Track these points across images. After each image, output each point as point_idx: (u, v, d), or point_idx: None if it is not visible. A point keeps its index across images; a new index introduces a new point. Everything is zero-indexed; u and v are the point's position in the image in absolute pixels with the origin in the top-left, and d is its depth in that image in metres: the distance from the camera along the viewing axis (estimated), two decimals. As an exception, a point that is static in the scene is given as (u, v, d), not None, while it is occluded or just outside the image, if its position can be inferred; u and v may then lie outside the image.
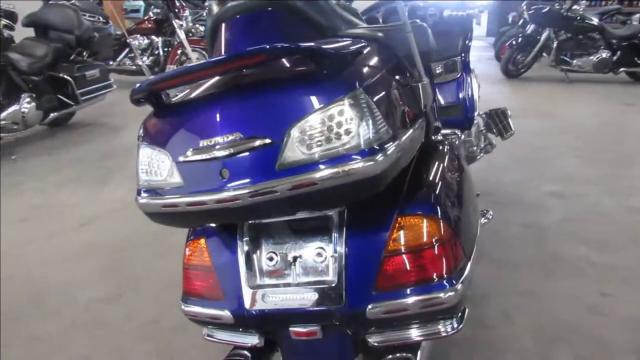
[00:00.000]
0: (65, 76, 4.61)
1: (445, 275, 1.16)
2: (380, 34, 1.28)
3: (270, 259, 1.27)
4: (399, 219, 1.18)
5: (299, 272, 1.24)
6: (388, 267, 1.17)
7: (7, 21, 4.44)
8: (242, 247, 1.28)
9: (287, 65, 1.13)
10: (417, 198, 1.23)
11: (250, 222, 1.31)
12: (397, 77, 1.22)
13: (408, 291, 1.16)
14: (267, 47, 0.98)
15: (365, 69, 1.10)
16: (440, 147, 1.52)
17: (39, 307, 2.24)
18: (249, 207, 1.04)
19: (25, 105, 4.34)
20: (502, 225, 2.71)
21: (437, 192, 1.27)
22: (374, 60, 1.17)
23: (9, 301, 2.28)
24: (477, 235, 1.43)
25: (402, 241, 1.17)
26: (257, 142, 1.01)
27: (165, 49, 7.25)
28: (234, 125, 1.04)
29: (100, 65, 5.12)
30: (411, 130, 1.18)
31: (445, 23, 2.44)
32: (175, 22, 6.83)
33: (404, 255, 1.17)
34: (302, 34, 1.25)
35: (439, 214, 1.21)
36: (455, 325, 1.23)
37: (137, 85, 1.11)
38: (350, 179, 0.99)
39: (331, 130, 1.00)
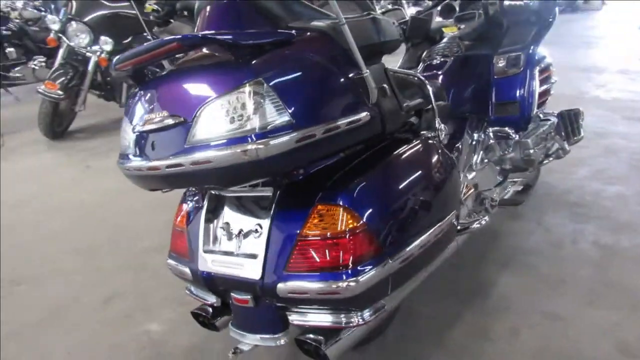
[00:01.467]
0: None
1: (345, 267, 1.19)
2: (324, 26, 1.30)
3: (223, 228, 1.42)
4: (319, 206, 1.24)
5: (240, 244, 1.37)
6: (299, 250, 1.24)
7: None
8: (204, 216, 1.45)
9: (214, 53, 1.25)
10: (342, 188, 1.26)
11: (212, 193, 1.48)
12: (329, 68, 1.25)
13: (311, 275, 1.22)
14: (180, 36, 1.11)
15: (279, 59, 1.16)
16: (408, 145, 1.48)
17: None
18: (168, 176, 1.20)
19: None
20: (569, 239, 2.44)
21: (366, 187, 1.28)
22: (298, 51, 1.22)
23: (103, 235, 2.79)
24: (427, 240, 1.39)
25: (316, 227, 1.23)
26: (174, 120, 1.15)
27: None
28: (164, 104, 1.20)
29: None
30: (339, 122, 1.21)
31: (514, 12, 2.25)
32: None
33: (314, 241, 1.22)
34: (258, 23, 1.34)
35: (357, 207, 1.23)
36: (359, 320, 1.26)
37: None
38: (241, 160, 1.08)
39: (232, 114, 1.10)
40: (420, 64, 2.39)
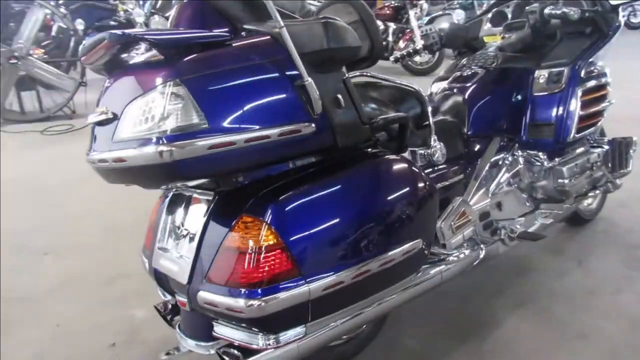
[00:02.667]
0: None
1: (254, 286, 1.12)
2: (277, 30, 1.22)
3: (173, 227, 1.42)
4: (245, 216, 1.18)
5: (182, 245, 1.35)
6: (218, 261, 1.20)
7: None
8: (165, 213, 1.46)
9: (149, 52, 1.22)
10: (270, 202, 1.19)
11: (174, 192, 1.48)
12: (265, 73, 1.17)
13: (223, 289, 1.17)
14: (109, 34, 1.11)
15: (205, 61, 1.11)
16: (366, 162, 1.36)
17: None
18: (101, 170, 1.21)
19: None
20: (611, 287, 2.12)
21: (295, 204, 1.20)
22: (230, 54, 1.16)
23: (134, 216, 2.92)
24: (367, 269, 1.26)
25: (234, 240, 1.18)
26: (106, 116, 1.16)
27: (396, 35, 7.48)
28: (108, 98, 1.21)
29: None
30: (268, 132, 1.13)
31: (562, 22, 1.99)
32: (411, 11, 6.99)
33: (230, 254, 1.17)
34: (219, 23, 1.29)
35: (279, 225, 1.15)
36: (263, 343, 1.18)
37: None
38: (151, 161, 1.06)
39: (148, 114, 1.08)
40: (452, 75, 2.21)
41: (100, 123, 1.18)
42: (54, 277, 2.30)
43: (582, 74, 1.99)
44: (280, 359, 1.23)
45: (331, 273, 1.20)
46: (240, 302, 1.12)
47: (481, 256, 1.78)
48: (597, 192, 2.21)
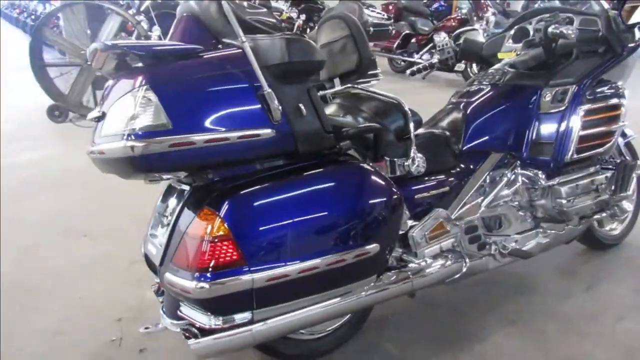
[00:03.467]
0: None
1: (202, 270, 1.26)
2: (249, 43, 1.34)
3: (163, 216, 1.60)
4: (206, 209, 1.33)
5: (164, 233, 1.52)
6: (181, 247, 1.35)
7: None
8: (159, 201, 1.65)
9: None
10: (226, 197, 1.32)
11: (167, 185, 1.65)
12: (230, 83, 1.30)
13: (180, 272, 1.32)
14: (101, 44, 1.30)
15: (175, 70, 1.26)
16: (325, 168, 1.45)
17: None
18: (95, 161, 1.39)
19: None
20: (614, 315, 2.05)
21: (247, 201, 1.32)
22: (200, 65, 1.30)
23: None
24: (314, 266, 1.36)
25: (194, 229, 1.32)
26: (99, 114, 1.35)
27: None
28: (104, 98, 1.39)
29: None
30: (227, 134, 1.27)
31: (581, 41, 1.99)
32: (477, 24, 6.90)
33: (190, 241, 1.32)
34: (204, 36, 1.46)
35: (229, 218, 1.28)
36: (212, 323, 1.30)
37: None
38: (122, 155, 1.23)
39: (123, 114, 1.25)
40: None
41: (98, 120, 1.37)
42: (86, 257, 2.57)
43: (588, 93, 1.95)
44: (234, 341, 1.36)
45: (276, 266, 1.31)
46: (189, 284, 1.26)
47: (464, 269, 1.81)
48: (604, 214, 2.13)
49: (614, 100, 2.03)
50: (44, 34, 5.33)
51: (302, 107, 1.37)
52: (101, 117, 1.33)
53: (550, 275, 2.36)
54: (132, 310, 2.12)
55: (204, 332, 1.36)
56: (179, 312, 1.42)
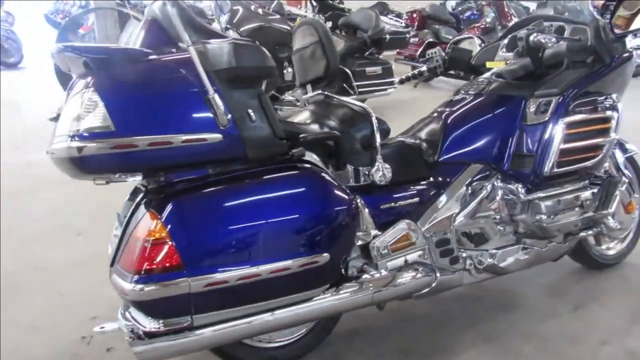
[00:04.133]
0: (346, 69, 5.41)
1: (138, 272, 1.27)
2: (200, 48, 1.35)
3: (124, 217, 1.62)
4: (150, 212, 1.34)
5: (119, 234, 1.53)
6: (126, 249, 1.36)
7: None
8: (125, 202, 1.66)
9: None
10: (169, 201, 1.33)
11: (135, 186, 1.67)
12: (175, 86, 1.30)
13: (121, 273, 1.33)
14: (57, 46, 1.33)
15: (120, 73, 1.28)
16: (273, 174, 1.44)
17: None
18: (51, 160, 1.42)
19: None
20: (599, 338, 1.95)
21: (188, 206, 1.33)
22: (145, 68, 1.31)
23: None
24: (255, 273, 1.35)
25: (137, 231, 1.33)
26: (56, 115, 1.38)
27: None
28: (64, 99, 1.43)
29: (384, 63, 5.72)
30: (171, 138, 1.27)
31: (571, 51, 1.93)
32: (500, 31, 6.80)
33: (132, 243, 1.33)
34: (163, 41, 1.47)
35: (169, 222, 1.29)
36: (151, 326, 1.30)
37: None
38: (66, 155, 1.25)
39: (70, 115, 1.27)
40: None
41: (55, 120, 1.40)
42: (77, 255, 2.63)
43: (573, 105, 1.88)
44: (176, 346, 1.36)
45: (215, 272, 1.30)
46: (127, 286, 1.27)
47: (434, 283, 1.76)
48: (590, 232, 2.04)
49: (603, 113, 1.94)
50: (69, 38, 5.53)
51: (252, 113, 1.36)
52: (57, 118, 1.36)
53: (538, 293, 2.27)
54: (109, 309, 2.14)
55: (149, 335, 1.36)
56: (127, 314, 1.43)
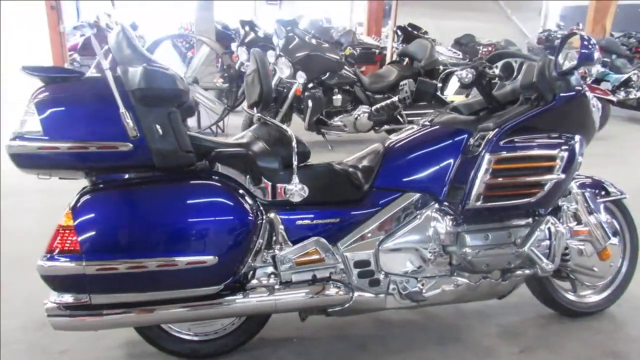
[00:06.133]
0: (394, 98, 5.49)
1: (48, 252, 1.55)
2: (124, 70, 1.61)
3: None
4: (70, 204, 1.61)
5: None
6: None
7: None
8: None
9: None
10: (83, 196, 1.60)
11: None
12: (97, 102, 1.57)
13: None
14: (23, 67, 1.66)
15: (54, 89, 1.57)
16: (175, 182, 1.67)
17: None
18: None
19: (360, 113, 5.53)
20: None
21: (95, 201, 1.61)
22: (76, 86, 1.60)
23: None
24: (144, 265, 1.57)
25: (63, 220, 1.60)
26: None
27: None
28: None
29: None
30: (87, 144, 1.54)
31: (524, 87, 2.00)
32: None
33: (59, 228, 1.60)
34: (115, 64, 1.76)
35: (76, 214, 1.56)
36: (54, 299, 1.57)
37: None
38: (10, 152, 1.56)
39: (19, 120, 1.59)
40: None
41: None
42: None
43: (504, 141, 1.87)
44: (82, 323, 1.62)
45: (107, 259, 1.54)
46: (38, 263, 1.55)
47: (350, 302, 1.84)
48: (528, 272, 1.97)
49: (544, 151, 1.90)
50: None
51: (159, 128, 1.58)
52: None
53: (490, 331, 2.22)
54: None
55: (62, 308, 1.63)
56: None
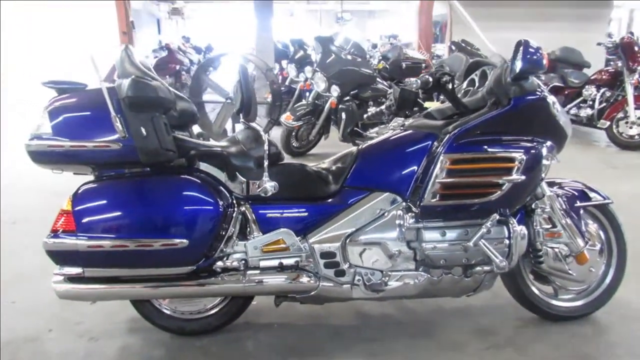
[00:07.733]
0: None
1: (53, 232, 1.88)
2: (119, 82, 1.92)
3: None
4: (73, 193, 1.95)
5: None
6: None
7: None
8: None
9: None
10: (83, 186, 1.92)
11: None
12: (97, 107, 1.86)
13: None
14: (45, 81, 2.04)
15: (63, 97, 1.89)
16: (160, 176, 1.95)
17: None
18: None
19: (394, 125, 5.68)
20: None
21: (91, 190, 1.91)
22: (82, 96, 1.92)
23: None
24: (126, 244, 1.86)
25: (66, 205, 1.94)
26: None
27: (607, 102, 6.69)
28: None
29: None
30: (86, 142, 1.86)
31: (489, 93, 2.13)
32: (627, 77, 6.33)
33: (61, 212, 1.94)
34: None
35: (75, 200, 1.88)
36: (57, 270, 1.89)
37: None
38: (28, 149, 1.92)
39: (37, 121, 1.95)
40: None
41: None
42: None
43: (460, 142, 1.99)
44: (80, 291, 1.93)
45: (95, 238, 1.84)
46: (43, 240, 1.88)
47: (316, 290, 2.03)
48: (487, 268, 2.04)
49: (503, 153, 1.99)
50: (201, 77, 6.79)
51: (143, 130, 1.86)
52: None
53: (465, 328, 2.30)
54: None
55: (71, 280, 1.95)
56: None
